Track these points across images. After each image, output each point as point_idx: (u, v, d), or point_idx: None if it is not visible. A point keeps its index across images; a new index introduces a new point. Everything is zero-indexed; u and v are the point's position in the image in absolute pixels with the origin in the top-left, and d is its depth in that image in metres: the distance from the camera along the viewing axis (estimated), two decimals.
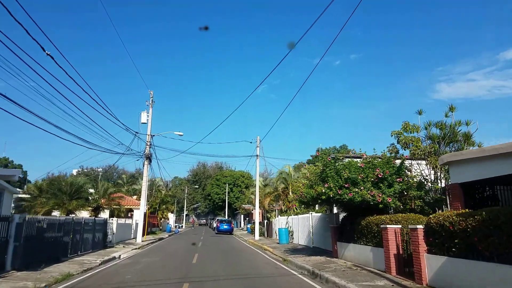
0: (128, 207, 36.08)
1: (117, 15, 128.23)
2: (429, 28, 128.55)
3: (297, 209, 28.33)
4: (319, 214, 19.12)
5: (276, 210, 30.54)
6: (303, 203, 14.02)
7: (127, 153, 23.11)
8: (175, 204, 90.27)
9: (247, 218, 51.65)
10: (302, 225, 20.82)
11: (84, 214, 27.05)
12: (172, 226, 63.07)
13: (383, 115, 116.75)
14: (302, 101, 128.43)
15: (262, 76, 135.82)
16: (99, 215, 25.54)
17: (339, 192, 12.48)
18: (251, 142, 30.16)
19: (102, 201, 21.25)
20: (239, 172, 77.50)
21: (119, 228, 25.71)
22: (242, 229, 53.99)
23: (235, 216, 71.47)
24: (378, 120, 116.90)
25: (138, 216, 26.86)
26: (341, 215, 15.49)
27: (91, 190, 23.93)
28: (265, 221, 33.57)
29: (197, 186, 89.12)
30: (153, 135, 27.97)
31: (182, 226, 70.92)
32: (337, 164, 13.49)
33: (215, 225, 49.33)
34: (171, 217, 68.06)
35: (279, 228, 22.74)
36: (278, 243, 22.98)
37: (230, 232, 38.86)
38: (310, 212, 19.63)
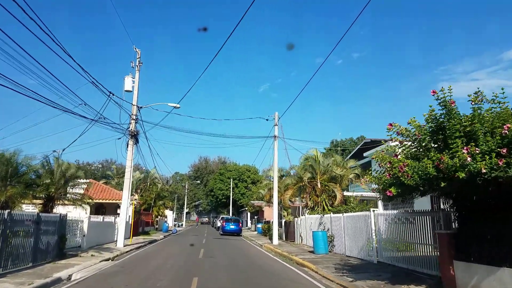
0: (114, 201, 29.43)
1: None
2: (431, 27, 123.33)
3: (328, 206, 21.73)
4: (389, 211, 12.48)
5: (300, 207, 23.83)
6: (401, 189, 7.27)
7: (100, 121, 16.45)
8: (176, 201, 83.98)
9: (256, 217, 44.99)
10: (352, 228, 14.17)
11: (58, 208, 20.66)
12: (170, 225, 56.59)
13: (386, 114, 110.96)
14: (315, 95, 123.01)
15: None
16: (71, 211, 19.05)
17: (500, 164, 5.80)
18: (267, 120, 23.53)
19: (57, 190, 14.57)
20: (245, 166, 70.86)
21: (93, 229, 19.17)
22: (249, 229, 47.31)
23: (240, 214, 64.86)
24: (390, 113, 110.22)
25: (122, 212, 20.26)
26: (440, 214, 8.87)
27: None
28: (281, 221, 26.87)
29: (199, 182, 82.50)
30: (141, 107, 21.42)
31: (182, 225, 64.47)
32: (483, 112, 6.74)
33: (219, 224, 42.66)
34: (170, 214, 61.56)
35: (314, 232, 16.09)
36: (311, 251, 16.37)
37: (238, 233, 32.26)
38: (372, 210, 12.97)
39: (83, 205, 16.50)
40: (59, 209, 16.79)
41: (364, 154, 22.54)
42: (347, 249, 14.73)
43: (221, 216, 47.03)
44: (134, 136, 20.96)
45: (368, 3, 9.73)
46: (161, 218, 46.10)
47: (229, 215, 56.06)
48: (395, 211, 11.96)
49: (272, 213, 43.03)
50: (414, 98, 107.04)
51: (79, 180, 16.57)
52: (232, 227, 31.95)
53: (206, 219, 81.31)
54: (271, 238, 26.59)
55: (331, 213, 16.94)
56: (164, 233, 35.40)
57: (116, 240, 20.32)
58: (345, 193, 21.98)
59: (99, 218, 21.25)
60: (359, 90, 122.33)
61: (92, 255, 14.91)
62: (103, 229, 21.22)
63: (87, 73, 14.34)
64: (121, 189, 41.57)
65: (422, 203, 12.10)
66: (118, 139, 20.34)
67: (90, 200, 28.29)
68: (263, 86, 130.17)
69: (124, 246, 19.55)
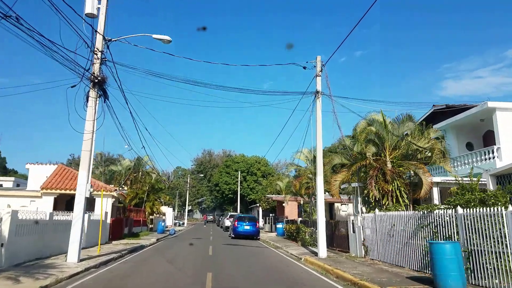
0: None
1: None
2: (434, 25, 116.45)
3: (405, 198, 13.81)
4: None
5: (359, 201, 15.70)
6: None
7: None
8: (177, 197, 76.25)
9: (271, 215, 37.04)
10: None
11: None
12: (169, 224, 48.68)
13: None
14: None
15: None
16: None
17: None
18: (304, 68, 15.48)
19: None
20: (254, 158, 62.98)
21: (26, 233, 11.36)
22: (262, 229, 39.17)
23: (249, 211, 56.93)
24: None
25: (77, 206, 12.29)
26: None
27: None
28: (314, 219, 18.85)
29: (202, 175, 74.63)
30: (110, 40, 13.45)
31: (183, 224, 56.67)
32: None
33: (227, 223, 34.72)
34: (170, 212, 53.72)
35: (434, 244, 8.03)
36: (418, 279, 8.40)
37: (255, 236, 24.38)
38: None
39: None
40: None
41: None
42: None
43: (229, 214, 39.03)
44: (99, 85, 13.07)
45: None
46: (158, 216, 38.30)
47: (237, 212, 47.96)
48: None
49: (293, 210, 35.33)
50: (420, 96, 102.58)
51: None
52: (248, 228, 24.00)
53: (211, 217, 73.32)
54: (305, 245, 18.64)
55: (457, 208, 8.89)
56: (159, 235, 27.59)
57: (83, 248, 12.37)
58: (435, 179, 14.08)
59: (45, 214, 13.33)
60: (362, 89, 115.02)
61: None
62: (51, 233, 13.34)
63: None
64: (105, 180, 33.91)
65: None
66: (72, 87, 12.38)
67: (48, 190, 20.67)
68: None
69: (80, 261, 11.72)
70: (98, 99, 13.10)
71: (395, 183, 14.23)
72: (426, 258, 9.63)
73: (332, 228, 17.03)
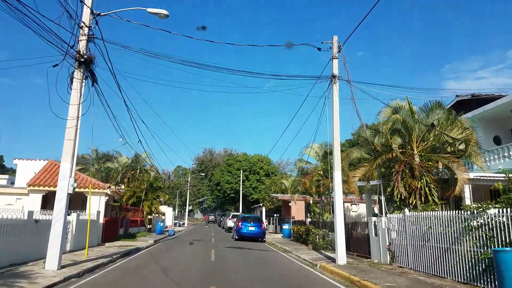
0: (82, 190, 19.70)
1: None
2: (436, 25, 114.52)
3: (435, 197, 12.10)
4: None
5: (383, 200, 13.86)
6: None
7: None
8: (177, 197, 74.53)
9: (276, 215, 35.28)
10: None
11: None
12: (169, 224, 46.97)
13: None
14: None
15: None
16: None
17: None
18: (319, 50, 13.75)
19: None
20: (256, 156, 61.24)
21: None
22: (266, 230, 37.29)
23: (252, 211, 55.19)
24: None
25: (57, 204, 10.57)
26: None
27: None
28: (327, 221, 17.23)
29: (203, 174, 72.93)
30: (99, 15, 11.71)
31: (183, 224, 54.98)
32: None
33: (230, 224, 32.97)
34: (169, 212, 52.05)
35: (505, 254, 6.24)
36: None
37: (260, 237, 22.65)
38: None
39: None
40: None
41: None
42: None
43: (232, 214, 37.26)
44: (85, 65, 11.36)
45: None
46: (158, 216, 36.58)
47: (239, 212, 46.20)
48: None
49: (300, 210, 33.39)
50: (421, 95, 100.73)
51: None
52: (252, 229, 22.23)
53: (212, 217, 71.57)
54: (316, 249, 16.92)
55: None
56: (157, 236, 25.89)
57: (64, 252, 10.66)
58: (473, 175, 12.33)
59: (22, 213, 11.60)
60: None
61: None
62: (30, 235, 11.64)
63: None
64: (101, 178, 32.15)
65: None
66: (54, 66, 10.67)
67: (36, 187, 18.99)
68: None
69: (61, 268, 10.05)
70: (84, 81, 11.40)
71: (424, 180, 12.48)
72: (478, 268, 7.90)
73: (348, 230, 15.26)
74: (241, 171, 56.53)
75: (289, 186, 30.70)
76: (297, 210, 30.14)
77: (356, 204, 26.82)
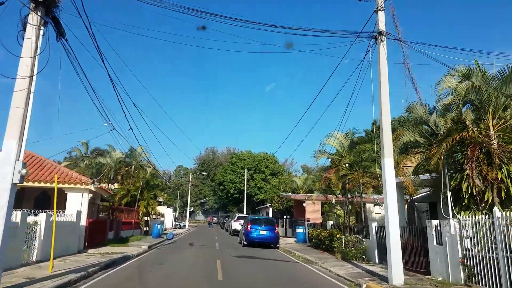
0: (71, 186, 16.37)
1: None
2: (438, 25, 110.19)
3: None
4: None
5: (450, 201, 10.48)
6: None
7: None
8: (179, 198, 71.34)
9: (286, 217, 31.95)
10: None
11: None
12: (168, 227, 43.74)
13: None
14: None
15: None
16: None
17: None
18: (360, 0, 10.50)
19: None
20: (262, 154, 57.99)
21: None
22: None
23: (257, 212, 51.88)
24: None
25: None
26: None
27: None
28: (373, 225, 14.00)
29: (205, 173, 69.73)
30: None
31: (184, 226, 51.75)
32: None
33: (236, 226, 29.65)
34: (169, 213, 48.84)
35: None
36: None
37: (273, 243, 19.37)
38: None
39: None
40: None
41: None
42: None
43: (237, 215, 33.84)
44: (46, 7, 8.14)
45: None
46: (156, 217, 33.33)
47: (243, 213, 42.81)
48: None
49: (316, 211, 29.95)
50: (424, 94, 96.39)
51: None
52: (264, 233, 18.91)
53: (215, 219, 68.32)
54: (347, 259, 13.60)
55: None
56: (153, 240, 22.60)
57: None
58: None
59: None
60: None
61: None
62: None
63: None
64: (92, 175, 28.96)
65: None
66: (0, 4, 7.46)
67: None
68: None
69: None
70: (42, 28, 8.17)
71: (504, 170, 9.18)
72: None
73: (382, 236, 11.94)
74: (246, 169, 53.26)
75: (301, 185, 27.47)
76: (313, 212, 26.81)
77: (380, 205, 23.48)
